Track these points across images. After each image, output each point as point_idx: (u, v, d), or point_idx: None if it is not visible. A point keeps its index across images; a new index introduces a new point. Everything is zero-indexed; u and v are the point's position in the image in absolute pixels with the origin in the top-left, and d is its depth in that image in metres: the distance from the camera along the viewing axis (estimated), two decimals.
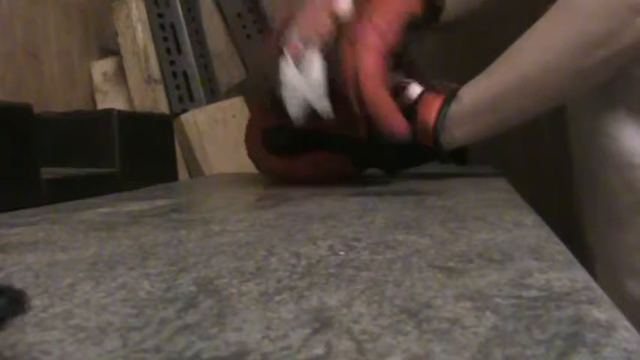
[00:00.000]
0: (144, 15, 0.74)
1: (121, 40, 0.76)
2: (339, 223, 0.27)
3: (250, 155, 0.50)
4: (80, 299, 0.16)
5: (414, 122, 0.43)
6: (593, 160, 0.44)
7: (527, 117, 0.42)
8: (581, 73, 0.39)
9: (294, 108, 0.39)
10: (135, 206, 0.37)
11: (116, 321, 0.14)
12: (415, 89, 0.44)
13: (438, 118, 0.43)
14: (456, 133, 0.43)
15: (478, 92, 0.42)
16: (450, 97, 0.43)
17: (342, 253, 0.21)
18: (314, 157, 0.47)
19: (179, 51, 0.75)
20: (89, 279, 0.19)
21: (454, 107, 0.42)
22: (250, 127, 0.50)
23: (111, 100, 0.78)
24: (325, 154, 0.46)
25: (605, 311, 0.14)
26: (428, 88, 0.44)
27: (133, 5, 0.74)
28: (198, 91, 0.76)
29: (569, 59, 0.38)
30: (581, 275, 0.17)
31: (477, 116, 0.42)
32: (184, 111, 0.74)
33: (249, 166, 0.66)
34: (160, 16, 0.75)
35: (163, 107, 0.75)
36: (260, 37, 0.77)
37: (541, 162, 0.76)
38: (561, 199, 0.70)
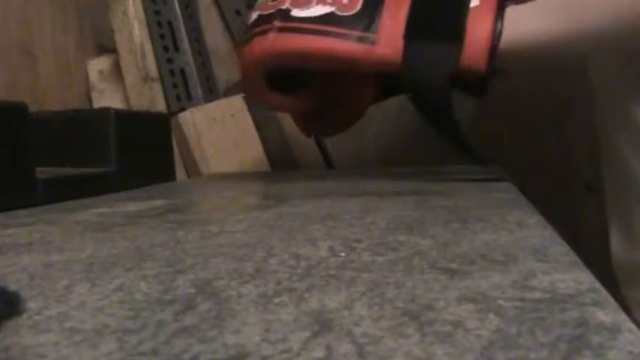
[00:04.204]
0: (141, 12, 0.74)
1: (117, 37, 0.75)
2: (340, 224, 0.27)
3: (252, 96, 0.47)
4: (76, 301, 0.16)
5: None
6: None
7: None
8: None
9: None
10: (132, 206, 0.37)
11: (112, 323, 0.14)
12: None
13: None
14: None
15: None
16: None
17: (342, 254, 0.21)
18: (323, 90, 0.43)
19: (176, 49, 0.75)
20: (85, 280, 0.18)
21: None
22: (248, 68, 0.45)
23: (107, 98, 0.78)
24: (338, 84, 0.42)
25: (610, 313, 0.14)
26: None
27: (130, 2, 0.74)
28: (196, 89, 0.76)
29: None
30: (586, 277, 0.17)
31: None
32: (182, 110, 0.74)
33: (248, 166, 0.66)
34: (157, 13, 0.75)
35: (161, 106, 0.74)
36: None
37: (545, 161, 0.76)
38: (566, 199, 0.70)
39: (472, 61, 0.36)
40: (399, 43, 0.37)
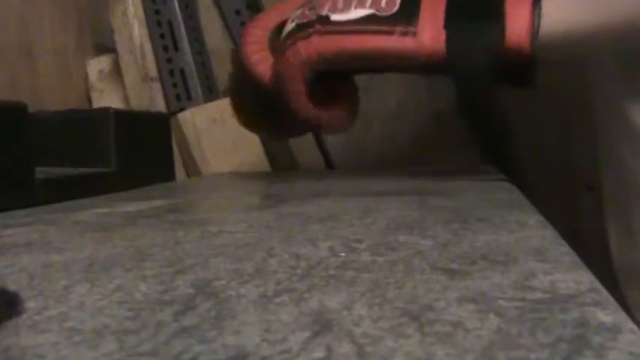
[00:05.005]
0: (140, 12, 0.74)
1: (117, 37, 0.75)
2: (340, 224, 0.27)
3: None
4: (75, 301, 0.16)
5: None
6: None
7: None
8: None
9: None
10: (131, 207, 0.37)
11: (112, 324, 0.14)
12: None
13: None
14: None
15: None
16: None
17: (342, 254, 0.21)
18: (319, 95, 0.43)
19: (176, 48, 0.75)
20: (84, 281, 0.18)
21: None
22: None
23: (107, 98, 0.78)
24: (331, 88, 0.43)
25: (611, 314, 0.14)
26: None
27: (130, 2, 0.74)
28: (196, 89, 0.75)
29: None
30: (587, 277, 0.17)
31: None
32: (182, 110, 0.74)
33: (248, 166, 0.66)
34: (157, 13, 0.75)
35: (160, 106, 0.74)
36: None
37: (545, 161, 0.76)
38: (566, 199, 0.70)
39: (515, 41, 0.36)
40: (441, 32, 0.38)
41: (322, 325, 0.13)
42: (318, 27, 0.41)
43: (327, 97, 0.44)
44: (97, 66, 0.79)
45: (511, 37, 0.36)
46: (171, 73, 0.75)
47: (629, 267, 0.44)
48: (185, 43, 0.75)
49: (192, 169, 0.73)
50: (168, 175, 0.58)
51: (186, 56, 0.75)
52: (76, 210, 0.36)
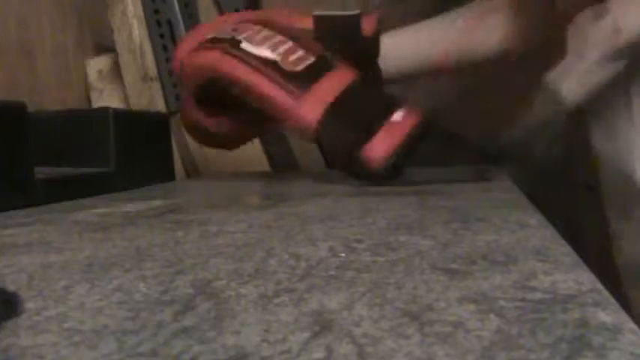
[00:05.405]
0: (140, 11, 0.74)
1: (116, 37, 0.75)
2: (340, 224, 0.27)
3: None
4: (75, 302, 0.16)
5: None
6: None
7: None
8: None
9: None
10: (131, 207, 0.37)
11: (112, 324, 0.14)
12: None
13: None
14: None
15: None
16: None
17: (342, 254, 0.21)
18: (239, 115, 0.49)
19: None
20: (84, 281, 0.18)
21: None
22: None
23: (106, 98, 0.78)
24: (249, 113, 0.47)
25: (611, 314, 0.13)
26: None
27: (129, 2, 0.74)
28: None
29: None
30: (587, 277, 0.17)
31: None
32: None
33: (248, 166, 0.66)
34: (157, 12, 0.74)
35: (160, 105, 0.74)
36: None
37: (545, 161, 0.76)
38: (566, 199, 0.70)
39: (373, 160, 0.42)
40: (318, 115, 0.42)
41: (322, 325, 0.13)
42: (225, 45, 0.45)
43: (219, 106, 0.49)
44: (96, 66, 0.79)
45: (370, 156, 0.42)
46: (171, 72, 0.75)
47: (630, 267, 0.44)
48: None
49: (191, 168, 0.73)
50: (168, 175, 0.58)
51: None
52: (76, 210, 0.36)
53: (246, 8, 0.78)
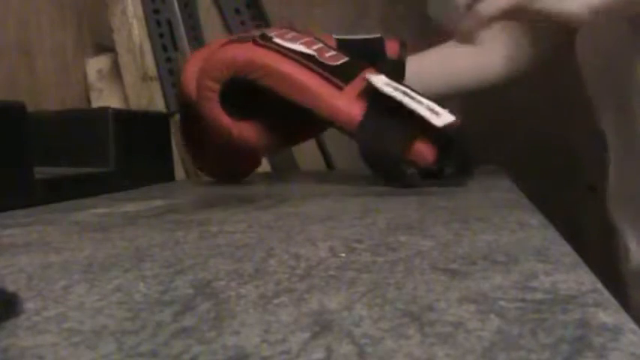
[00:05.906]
0: (140, 11, 0.74)
1: (116, 36, 0.75)
2: (340, 224, 0.27)
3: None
4: (74, 302, 0.16)
5: None
6: None
7: None
8: None
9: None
10: (130, 207, 0.37)
11: (111, 324, 0.14)
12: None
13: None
14: None
15: None
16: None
17: (342, 254, 0.21)
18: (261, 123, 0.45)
19: (175, 48, 0.75)
20: (83, 281, 0.18)
21: None
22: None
23: (106, 98, 0.78)
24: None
25: (612, 314, 0.13)
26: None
27: (129, 1, 0.74)
28: None
29: None
30: (588, 277, 0.17)
31: None
32: None
33: None
34: (156, 12, 0.74)
35: (159, 105, 0.74)
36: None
37: (546, 159, 0.76)
38: (568, 200, 0.70)
39: (420, 160, 0.41)
40: (364, 108, 0.41)
41: (322, 325, 0.13)
42: (256, 37, 0.42)
43: (241, 113, 0.45)
44: (95, 65, 0.79)
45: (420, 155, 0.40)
46: (171, 72, 0.75)
47: (632, 267, 0.44)
48: (184, 43, 0.75)
49: (191, 168, 0.73)
50: (168, 175, 0.58)
51: (186, 55, 0.75)
52: (75, 210, 0.36)
53: (248, 7, 0.78)
